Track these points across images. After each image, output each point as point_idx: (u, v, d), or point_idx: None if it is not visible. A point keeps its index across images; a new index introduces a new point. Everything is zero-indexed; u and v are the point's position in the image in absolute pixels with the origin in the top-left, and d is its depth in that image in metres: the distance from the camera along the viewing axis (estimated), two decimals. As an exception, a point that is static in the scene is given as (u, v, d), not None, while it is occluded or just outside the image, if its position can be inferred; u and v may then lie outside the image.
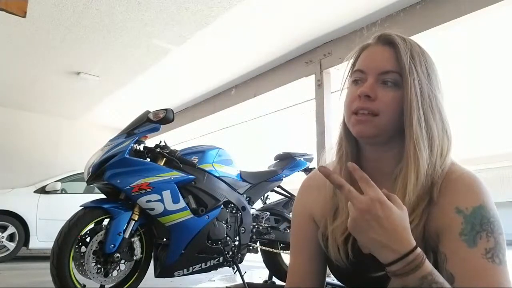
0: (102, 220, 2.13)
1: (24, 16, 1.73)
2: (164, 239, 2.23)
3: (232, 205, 2.45)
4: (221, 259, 2.32)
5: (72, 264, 2.00)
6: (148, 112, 2.29)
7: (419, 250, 0.62)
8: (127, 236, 2.07)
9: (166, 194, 2.13)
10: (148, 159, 2.26)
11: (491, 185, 0.73)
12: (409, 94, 0.73)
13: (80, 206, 2.11)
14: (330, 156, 0.89)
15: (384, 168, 0.79)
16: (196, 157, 2.37)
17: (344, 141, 0.83)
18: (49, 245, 2.15)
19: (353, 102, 0.77)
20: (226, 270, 2.64)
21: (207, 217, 2.26)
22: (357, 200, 0.62)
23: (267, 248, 2.66)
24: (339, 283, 0.91)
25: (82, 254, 2.03)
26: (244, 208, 2.49)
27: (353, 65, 0.84)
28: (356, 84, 0.79)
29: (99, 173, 2.12)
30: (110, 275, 2.09)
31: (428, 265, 0.62)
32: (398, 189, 0.73)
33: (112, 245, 2.03)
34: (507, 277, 0.64)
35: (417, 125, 0.72)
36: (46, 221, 4.79)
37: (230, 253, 2.37)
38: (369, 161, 0.82)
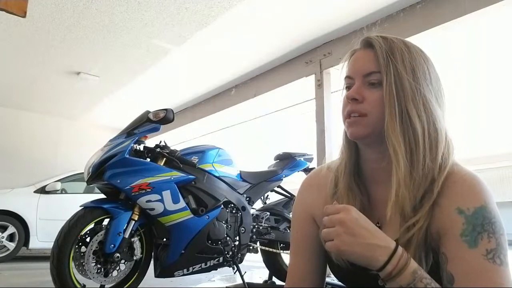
0: (102, 220, 2.13)
1: (24, 16, 1.73)
2: (164, 239, 2.23)
3: (232, 205, 2.45)
4: (221, 259, 2.32)
5: (72, 264, 2.00)
6: (148, 112, 2.29)
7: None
8: (127, 236, 2.07)
9: (166, 194, 2.13)
10: (148, 159, 2.26)
11: (491, 185, 0.73)
12: (386, 91, 0.74)
13: (80, 206, 2.11)
14: (331, 159, 0.92)
15: (383, 168, 0.79)
16: (196, 157, 2.37)
17: (345, 146, 0.85)
18: (49, 245, 2.15)
19: (346, 107, 0.79)
20: (226, 270, 2.64)
21: (207, 217, 2.26)
22: (330, 218, 0.67)
23: (267, 248, 2.66)
24: (339, 283, 0.91)
25: (82, 254, 2.03)
26: (244, 208, 2.49)
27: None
28: (346, 90, 0.81)
29: (99, 173, 2.12)
30: (110, 275, 2.09)
31: (413, 261, 0.65)
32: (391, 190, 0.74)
33: (112, 245, 2.02)
34: (508, 278, 0.64)
35: (391, 120, 0.73)
36: (46, 221, 4.78)
37: (230, 253, 2.37)
38: (368, 162, 0.82)
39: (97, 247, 2.04)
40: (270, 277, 2.93)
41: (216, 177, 2.41)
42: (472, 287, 0.63)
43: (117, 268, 2.11)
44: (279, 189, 2.89)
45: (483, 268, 0.64)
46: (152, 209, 2.10)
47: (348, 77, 0.81)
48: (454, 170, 0.74)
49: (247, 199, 2.59)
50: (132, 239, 2.13)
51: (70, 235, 1.99)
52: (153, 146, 2.30)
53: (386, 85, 0.74)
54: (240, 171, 2.63)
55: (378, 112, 0.75)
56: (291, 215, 2.84)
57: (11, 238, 4.72)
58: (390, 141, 0.73)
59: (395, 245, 0.65)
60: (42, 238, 4.79)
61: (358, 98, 0.76)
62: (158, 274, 2.20)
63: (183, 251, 2.18)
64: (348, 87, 0.81)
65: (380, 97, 0.75)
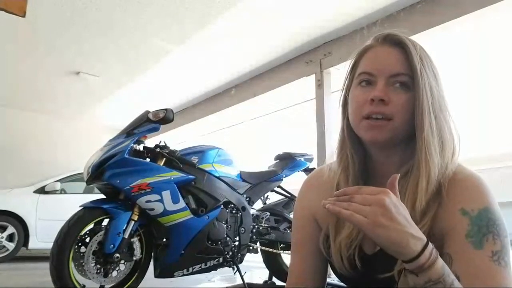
0: (102, 220, 2.13)
1: (24, 16, 1.72)
2: (164, 239, 2.22)
3: (232, 205, 2.44)
4: (221, 259, 2.32)
5: (71, 264, 2.00)
6: (148, 112, 2.29)
7: None
8: (126, 236, 2.07)
9: (166, 194, 2.12)
10: (148, 159, 2.26)
11: (491, 185, 0.72)
12: (420, 97, 0.71)
13: (80, 206, 2.11)
14: (332, 159, 0.88)
15: (391, 169, 0.78)
16: (196, 157, 2.37)
17: (349, 146, 0.81)
18: (49, 245, 2.15)
19: (364, 106, 0.74)
20: (226, 270, 2.63)
21: (207, 217, 2.25)
22: (366, 197, 0.61)
23: (267, 249, 2.65)
24: (340, 283, 0.90)
25: (81, 254, 2.03)
26: (244, 208, 2.49)
27: (354, 66, 0.81)
28: (363, 87, 0.76)
29: (99, 173, 2.12)
30: (109, 275, 2.08)
31: (440, 257, 0.62)
32: (407, 193, 0.72)
33: (112, 245, 2.02)
34: (511, 279, 0.65)
35: (429, 129, 0.71)
36: (46, 221, 4.77)
37: (230, 253, 2.36)
38: (377, 163, 0.81)
39: (96, 247, 2.03)
40: (270, 277, 2.93)
41: (216, 177, 2.40)
42: (478, 287, 0.63)
43: (117, 269, 2.11)
44: (279, 189, 2.88)
45: (489, 269, 0.64)
46: (152, 209, 2.10)
47: (367, 73, 0.76)
48: (457, 170, 0.74)
49: (247, 199, 2.59)
50: (132, 239, 2.12)
51: (69, 235, 1.99)
52: (152, 146, 2.30)
53: (422, 91, 0.71)
54: (240, 171, 2.63)
55: (403, 117, 0.72)
56: (291, 216, 2.84)
57: (10, 238, 4.71)
58: (426, 149, 0.70)
59: (426, 239, 0.62)
60: (42, 238, 4.77)
61: (385, 99, 0.72)
62: (158, 275, 2.20)
63: (183, 252, 2.17)
64: (365, 84, 0.76)
65: (407, 101, 0.72)
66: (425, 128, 0.71)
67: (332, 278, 0.94)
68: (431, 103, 0.72)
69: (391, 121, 0.72)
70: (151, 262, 2.28)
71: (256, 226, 2.62)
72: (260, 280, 3.11)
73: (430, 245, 0.61)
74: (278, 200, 2.97)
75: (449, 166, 0.72)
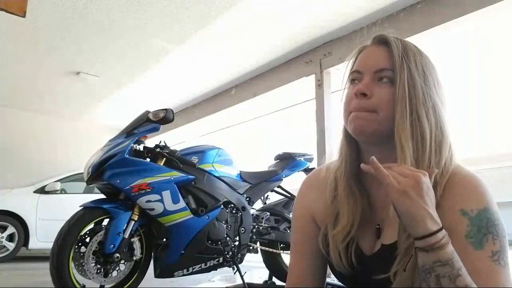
0: (102, 220, 2.13)
1: (24, 16, 1.73)
2: (164, 239, 2.22)
3: (232, 205, 2.45)
4: (221, 259, 2.32)
5: (71, 264, 2.00)
6: (148, 112, 2.29)
7: None
8: (126, 236, 2.07)
9: (166, 194, 2.12)
10: (148, 159, 2.26)
11: (491, 185, 0.73)
12: (399, 90, 0.74)
13: (80, 206, 2.11)
14: (331, 159, 0.89)
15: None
16: (196, 157, 2.37)
17: (345, 146, 0.83)
18: (49, 245, 2.15)
19: (351, 101, 0.78)
20: (226, 270, 2.64)
21: (207, 217, 2.26)
22: (405, 171, 0.65)
23: (267, 248, 2.65)
24: (339, 283, 0.90)
25: (81, 254, 2.03)
26: (244, 208, 2.49)
27: (352, 67, 0.84)
28: (352, 84, 0.80)
29: (99, 173, 2.12)
30: (109, 275, 2.08)
31: (451, 245, 0.64)
32: None
33: (112, 245, 2.02)
34: (510, 280, 0.66)
35: (402, 119, 0.73)
36: (46, 221, 4.78)
37: (230, 253, 2.36)
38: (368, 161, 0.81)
39: (96, 247, 2.03)
40: (270, 277, 2.93)
41: (216, 177, 2.40)
42: (479, 287, 0.63)
43: (117, 268, 2.11)
44: (279, 189, 2.88)
45: (489, 269, 0.65)
46: (152, 209, 2.10)
47: (356, 72, 0.80)
48: (455, 170, 0.74)
49: (247, 199, 2.59)
50: (132, 239, 2.12)
51: (69, 235, 1.99)
52: (153, 146, 2.30)
53: (399, 83, 0.74)
54: (240, 171, 2.63)
55: (387, 110, 0.74)
56: (291, 215, 2.84)
57: (10, 238, 4.71)
58: (399, 140, 0.72)
59: (441, 226, 0.64)
60: (42, 238, 4.78)
61: (367, 93, 0.75)
62: (158, 274, 2.20)
63: (183, 251, 2.17)
64: (354, 81, 0.80)
65: (390, 95, 0.75)
66: (397, 118, 0.73)
67: (332, 278, 0.94)
68: (409, 96, 0.73)
69: (374, 113, 0.75)
70: (151, 262, 2.28)
71: (256, 226, 2.62)
72: (260, 280, 3.11)
73: (444, 231, 0.63)
74: (278, 200, 2.97)
75: (433, 160, 0.73)
